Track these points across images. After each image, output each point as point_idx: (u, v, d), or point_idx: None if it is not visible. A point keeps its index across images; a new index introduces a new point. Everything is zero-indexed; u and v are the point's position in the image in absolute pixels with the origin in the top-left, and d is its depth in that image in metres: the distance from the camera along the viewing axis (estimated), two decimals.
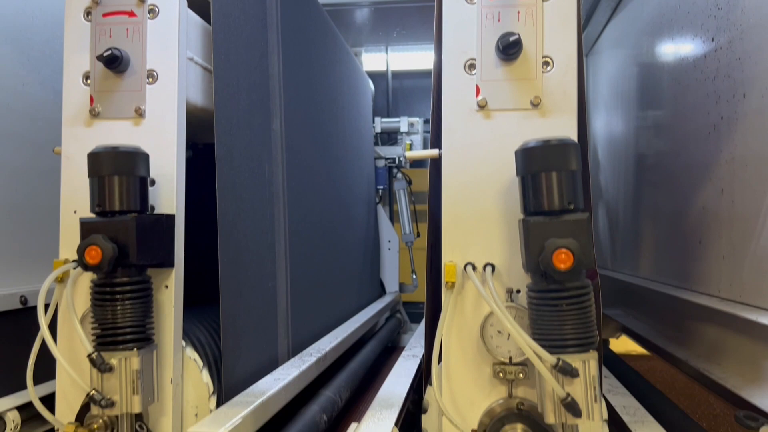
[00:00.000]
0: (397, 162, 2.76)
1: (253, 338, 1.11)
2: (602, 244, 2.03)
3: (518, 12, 0.85)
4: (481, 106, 0.86)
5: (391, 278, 2.68)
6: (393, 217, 2.78)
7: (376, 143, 2.79)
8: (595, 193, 2.11)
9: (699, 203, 1.18)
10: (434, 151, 0.89)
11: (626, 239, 1.74)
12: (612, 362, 1.43)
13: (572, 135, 0.83)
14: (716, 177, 1.09)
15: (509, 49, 0.83)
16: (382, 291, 2.63)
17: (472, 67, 0.86)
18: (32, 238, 1.33)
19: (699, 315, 1.10)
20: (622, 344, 2.02)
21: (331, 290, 1.66)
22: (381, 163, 2.77)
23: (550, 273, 0.71)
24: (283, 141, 1.32)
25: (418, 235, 2.73)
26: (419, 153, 0.92)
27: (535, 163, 0.75)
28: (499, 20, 0.85)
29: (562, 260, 0.70)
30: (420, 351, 1.32)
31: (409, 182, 2.75)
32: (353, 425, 0.84)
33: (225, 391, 0.97)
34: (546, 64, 0.85)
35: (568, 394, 0.71)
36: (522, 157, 0.76)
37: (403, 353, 1.34)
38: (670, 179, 1.35)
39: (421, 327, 1.85)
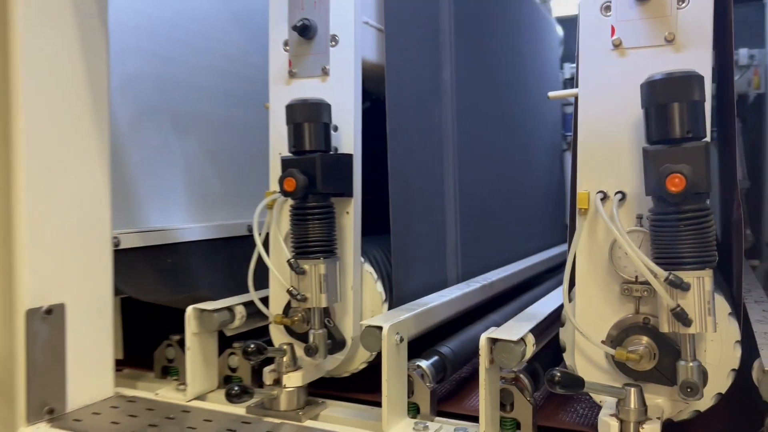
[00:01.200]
0: None
1: (422, 261, 1.29)
2: None
3: None
4: (616, 45, 0.92)
5: None
6: None
7: (565, 89, 2.78)
8: None
9: None
10: (576, 90, 0.97)
11: None
12: None
13: (706, 67, 0.86)
14: None
15: None
16: None
17: (608, 9, 0.92)
18: (254, 180, 1.65)
19: None
20: None
21: (504, 228, 1.78)
22: (569, 109, 2.76)
23: (665, 196, 0.78)
24: (453, 89, 1.46)
25: None
26: (562, 92, 1.01)
27: (656, 94, 0.81)
28: None
29: (675, 184, 0.77)
30: None
31: None
32: (492, 328, 0.98)
33: (394, 301, 1.17)
34: (681, 0, 0.88)
35: (678, 305, 0.78)
36: (645, 90, 0.82)
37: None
38: None
39: None
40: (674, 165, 0.78)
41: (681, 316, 0.78)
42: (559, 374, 0.83)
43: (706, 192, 0.80)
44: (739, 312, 0.93)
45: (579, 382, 0.84)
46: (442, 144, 1.41)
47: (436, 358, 1.13)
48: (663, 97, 0.81)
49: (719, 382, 0.90)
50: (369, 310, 1.15)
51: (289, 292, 1.04)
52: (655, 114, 0.81)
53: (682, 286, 0.78)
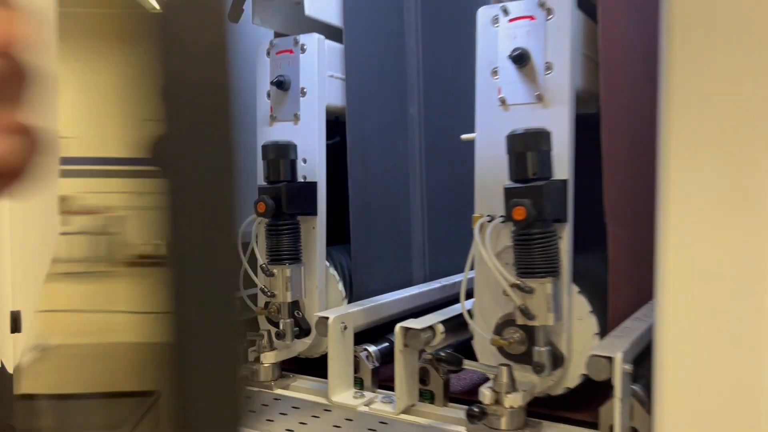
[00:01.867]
0: None
1: (383, 265, 1.58)
2: None
3: (528, 30, 1.15)
4: (502, 102, 1.18)
5: None
6: None
7: None
8: None
9: None
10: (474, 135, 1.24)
11: None
12: None
13: (565, 119, 1.12)
14: None
15: (516, 61, 1.13)
16: None
17: (495, 73, 1.18)
18: None
19: None
20: None
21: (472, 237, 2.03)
22: None
23: (513, 223, 1.04)
24: (421, 121, 1.73)
25: None
26: (469, 136, 1.27)
27: (514, 145, 1.07)
28: (514, 37, 1.16)
29: (519, 214, 1.03)
30: None
31: None
32: (410, 320, 1.26)
33: (354, 298, 1.46)
34: (548, 68, 1.13)
35: (523, 303, 1.05)
36: (507, 141, 1.09)
37: None
38: None
39: None
40: (519, 199, 1.04)
41: (525, 312, 1.05)
42: (443, 354, 1.11)
43: (549, 219, 1.06)
44: (604, 310, 1.17)
45: (458, 360, 1.11)
46: (408, 169, 1.69)
47: (385, 344, 1.41)
48: (519, 147, 1.07)
49: (583, 365, 1.15)
50: (332, 305, 1.45)
51: (261, 289, 1.36)
52: (513, 160, 1.08)
53: (525, 290, 1.04)
